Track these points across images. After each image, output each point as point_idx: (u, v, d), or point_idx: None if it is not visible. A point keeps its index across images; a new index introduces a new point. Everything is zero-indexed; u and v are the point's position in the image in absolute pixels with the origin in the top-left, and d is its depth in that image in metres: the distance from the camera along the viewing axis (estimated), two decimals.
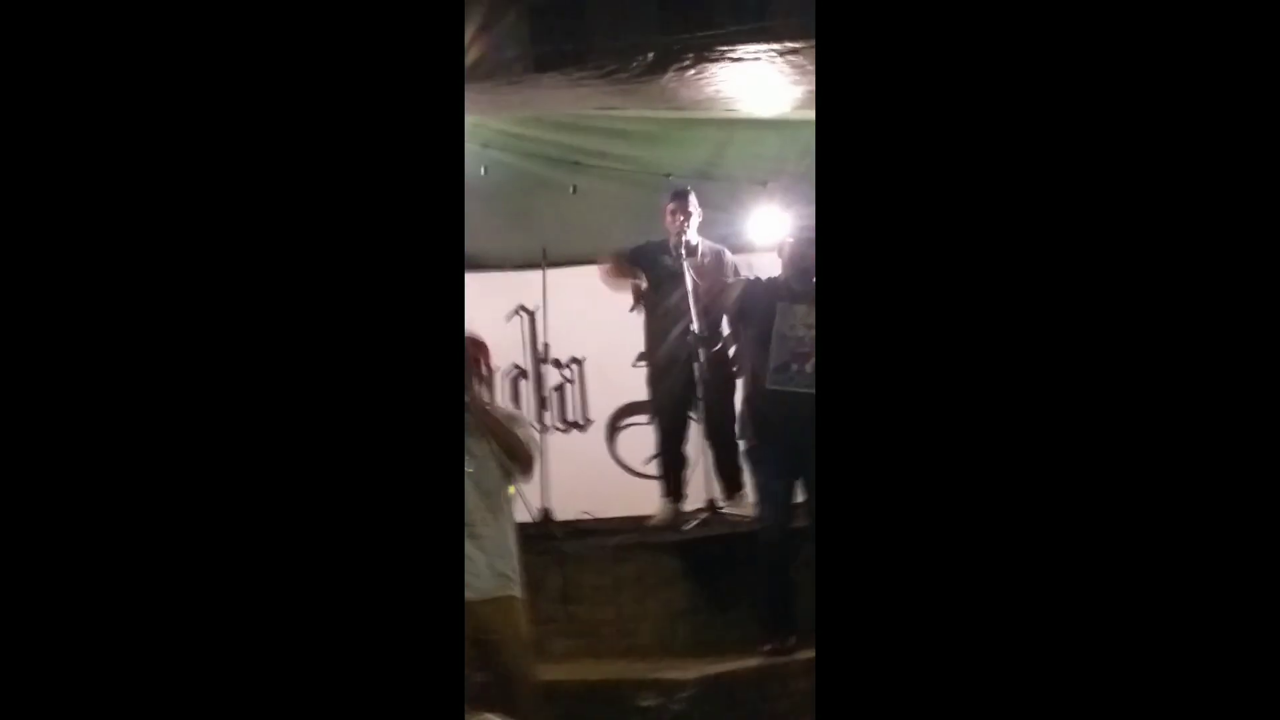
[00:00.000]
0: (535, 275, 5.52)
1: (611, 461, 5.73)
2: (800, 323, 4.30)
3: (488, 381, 3.92)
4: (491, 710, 3.04)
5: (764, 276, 4.67)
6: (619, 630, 4.59)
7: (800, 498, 4.35)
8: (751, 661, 4.18)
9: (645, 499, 5.18)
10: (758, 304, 4.47)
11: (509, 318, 5.65)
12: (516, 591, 3.57)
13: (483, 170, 5.37)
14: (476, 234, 5.80)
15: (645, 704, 4.02)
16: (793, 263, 4.42)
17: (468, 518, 3.50)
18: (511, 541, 3.64)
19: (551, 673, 3.84)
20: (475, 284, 5.77)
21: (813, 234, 3.73)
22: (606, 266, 5.16)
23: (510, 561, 3.59)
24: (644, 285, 5.06)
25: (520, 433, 3.67)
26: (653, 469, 5.23)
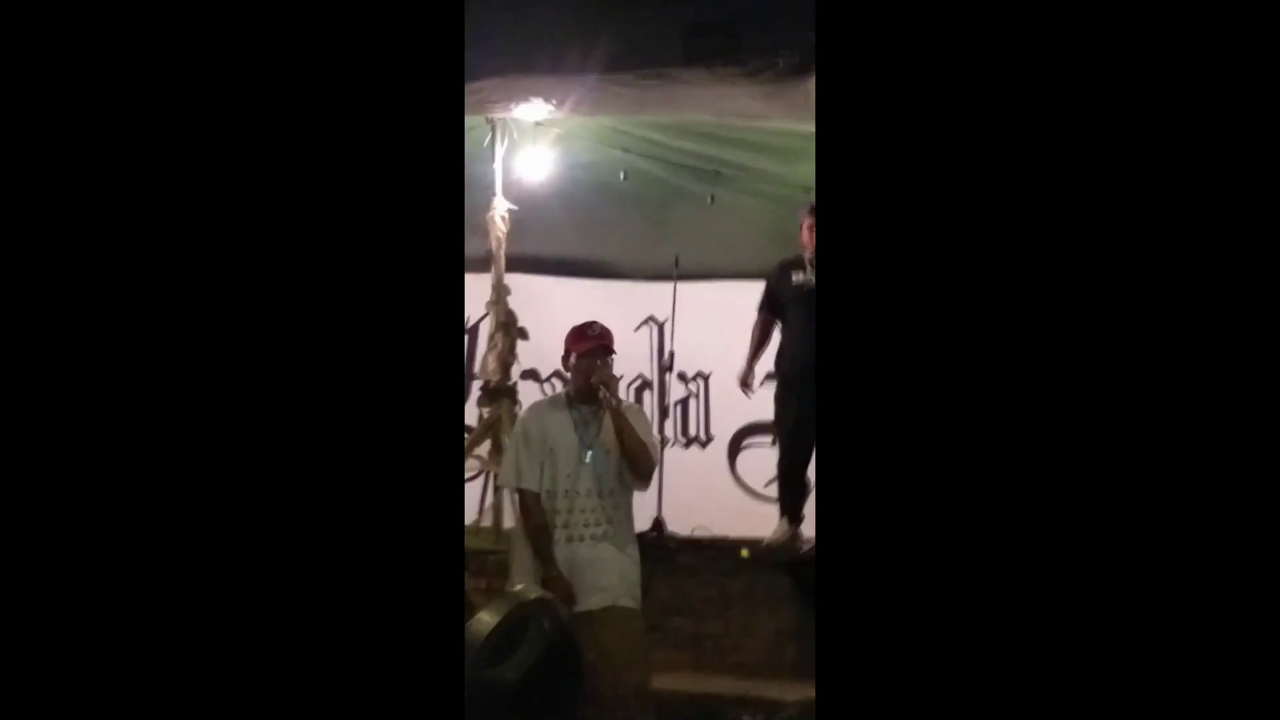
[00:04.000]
0: (666, 287, 5.51)
1: (730, 480, 5.70)
2: None
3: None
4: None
5: None
6: (724, 645, 4.56)
7: None
8: None
9: (762, 520, 5.12)
10: None
11: (637, 328, 5.67)
12: (629, 601, 3.52)
13: (622, 176, 5.38)
14: (611, 241, 5.95)
15: None
16: None
17: (585, 518, 3.50)
18: (632, 548, 3.61)
19: (653, 681, 3.83)
20: (605, 291, 5.96)
21: None
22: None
23: (628, 568, 3.55)
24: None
25: (651, 438, 3.58)
26: (772, 491, 5.17)
